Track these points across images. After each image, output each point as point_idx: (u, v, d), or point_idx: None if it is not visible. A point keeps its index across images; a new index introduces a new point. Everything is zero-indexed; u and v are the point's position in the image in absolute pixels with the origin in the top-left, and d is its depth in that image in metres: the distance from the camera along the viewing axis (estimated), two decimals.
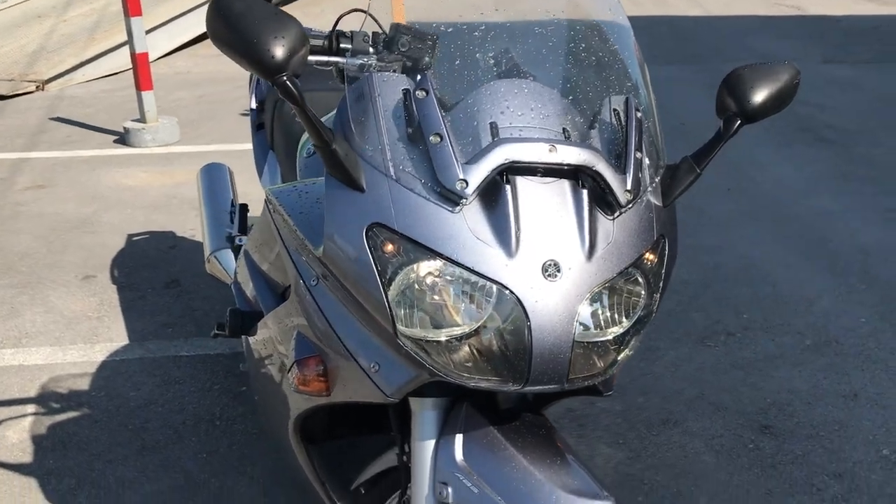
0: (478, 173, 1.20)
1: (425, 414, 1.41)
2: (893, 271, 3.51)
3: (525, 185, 1.23)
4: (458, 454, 1.38)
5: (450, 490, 1.36)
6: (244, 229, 2.59)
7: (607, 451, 2.45)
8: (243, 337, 1.94)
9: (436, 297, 1.23)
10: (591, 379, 1.29)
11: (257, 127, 2.64)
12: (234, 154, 4.48)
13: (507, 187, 1.22)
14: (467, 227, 1.21)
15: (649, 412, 2.63)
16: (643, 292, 1.31)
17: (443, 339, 1.24)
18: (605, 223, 1.27)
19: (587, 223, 1.24)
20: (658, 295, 1.35)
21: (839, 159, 4.85)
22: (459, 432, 1.39)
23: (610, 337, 1.29)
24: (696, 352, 2.95)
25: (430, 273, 1.23)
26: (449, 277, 1.22)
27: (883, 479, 2.31)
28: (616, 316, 1.30)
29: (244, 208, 2.62)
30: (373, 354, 1.34)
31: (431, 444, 1.40)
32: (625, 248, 1.28)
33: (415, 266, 1.23)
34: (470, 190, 1.20)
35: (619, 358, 1.31)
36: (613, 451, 2.45)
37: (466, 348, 1.25)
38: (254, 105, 2.70)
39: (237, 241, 2.54)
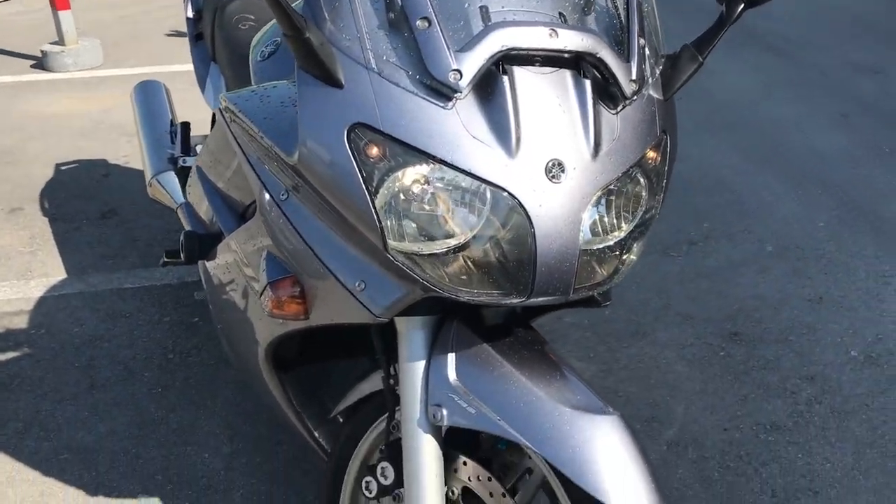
0: (472, 62, 1.07)
1: (413, 334, 1.30)
2: (848, 175, 3.51)
3: (523, 76, 1.10)
4: (452, 374, 1.28)
5: (444, 412, 1.27)
6: (188, 149, 2.41)
7: (579, 365, 2.40)
8: (200, 263, 1.79)
9: (427, 206, 1.11)
10: (596, 288, 1.20)
11: (196, 38, 2.43)
12: (164, 76, 4.19)
13: (504, 78, 1.09)
14: (462, 125, 1.09)
15: (618, 324, 2.58)
16: (645, 193, 1.22)
17: (437, 251, 1.12)
18: (609, 118, 1.16)
19: (591, 118, 1.13)
20: (661, 196, 1.25)
21: (788, 66, 4.82)
22: (451, 351, 1.29)
23: (612, 242, 1.20)
24: (660, 262, 2.90)
25: (421, 178, 1.10)
26: (443, 182, 1.10)
27: (853, 379, 2.32)
28: (617, 220, 1.20)
29: (186, 127, 2.43)
30: (357, 272, 1.22)
31: (421, 364, 1.30)
32: (630, 144, 1.18)
33: (404, 171, 1.10)
34: (464, 82, 1.07)
35: (622, 265, 1.22)
36: (585, 365, 2.40)
37: (463, 260, 1.14)
38: (190, 14, 2.48)
39: (181, 163, 2.37)
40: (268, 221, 1.36)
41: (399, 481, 1.35)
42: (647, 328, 2.56)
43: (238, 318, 1.58)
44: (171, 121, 2.59)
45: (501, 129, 1.09)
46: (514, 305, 1.16)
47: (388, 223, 1.11)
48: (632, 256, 1.23)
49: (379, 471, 1.37)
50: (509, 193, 1.09)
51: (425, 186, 1.10)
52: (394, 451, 1.36)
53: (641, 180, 1.21)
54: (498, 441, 1.39)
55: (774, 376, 2.34)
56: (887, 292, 2.71)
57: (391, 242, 1.12)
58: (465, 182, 1.09)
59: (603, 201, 1.17)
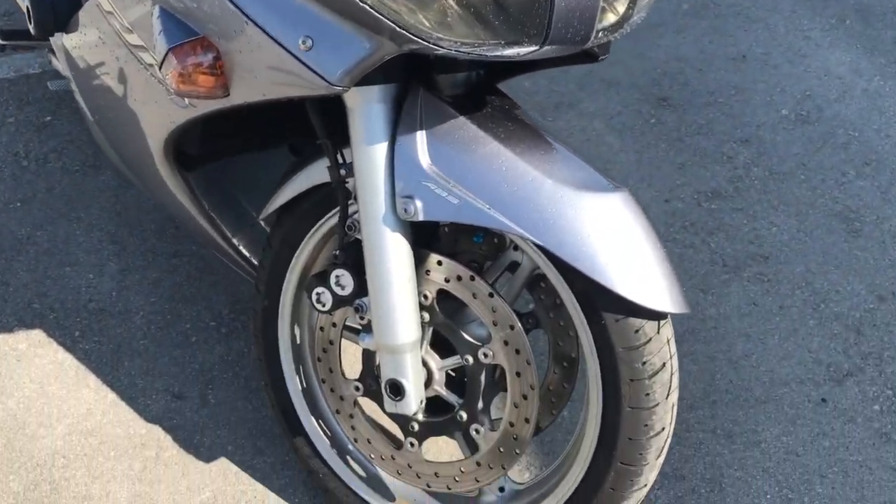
0: None
1: (369, 109, 1.02)
2: None
3: None
4: (424, 157, 1.02)
5: (417, 204, 1.02)
6: None
7: None
8: (56, 40, 1.39)
9: None
10: (616, 31, 0.94)
11: None
12: None
13: None
14: None
15: (538, 97, 2.34)
16: None
17: None
18: None
19: None
20: None
21: None
22: (420, 129, 1.03)
23: None
24: None
25: None
26: None
27: (788, 138, 2.21)
28: None
29: None
30: (300, 25, 0.90)
31: (383, 147, 1.03)
32: None
33: None
34: None
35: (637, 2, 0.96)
36: None
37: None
38: None
39: None
40: None
41: (360, 289, 1.11)
42: (570, 98, 2.34)
43: (121, 105, 1.23)
44: None
45: None
46: (519, 58, 0.89)
47: None
48: None
49: (333, 279, 1.12)
50: None
51: None
52: (351, 255, 1.11)
53: None
54: (473, 234, 1.17)
55: (709, 141, 2.20)
56: (809, 47, 2.58)
57: None
58: None
59: None
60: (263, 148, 1.34)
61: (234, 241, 1.36)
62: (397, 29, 0.84)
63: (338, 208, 1.13)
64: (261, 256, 1.29)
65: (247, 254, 1.37)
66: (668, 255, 1.05)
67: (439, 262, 1.11)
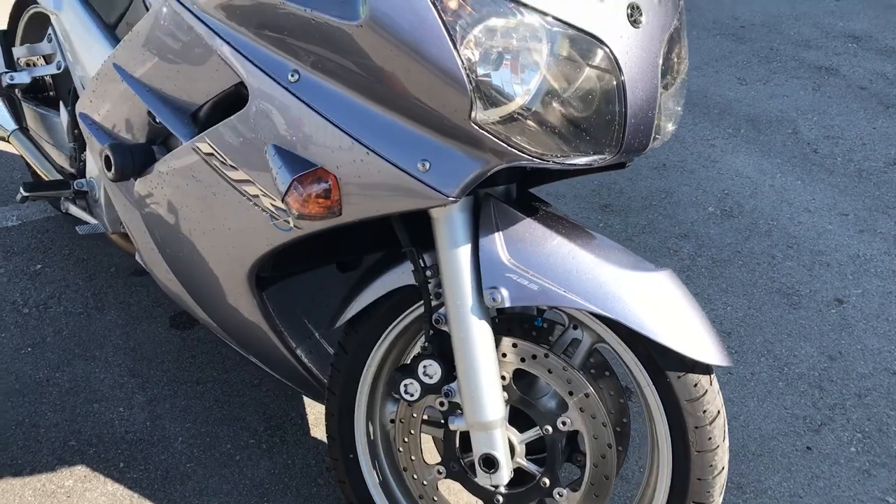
0: None
1: (454, 217, 1.20)
2: None
3: None
4: (504, 254, 1.21)
5: (503, 293, 1.20)
6: (12, 63, 2.01)
7: None
8: (111, 184, 1.51)
9: (516, 60, 1.01)
10: (659, 140, 1.18)
11: None
12: None
13: None
14: None
15: None
16: (683, 32, 1.21)
17: (523, 112, 1.03)
18: None
19: None
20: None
21: None
22: (497, 230, 1.22)
23: (672, 90, 1.18)
24: None
25: (511, 28, 1.00)
26: (535, 31, 1.00)
27: (720, 231, 2.52)
28: (676, 65, 1.18)
29: (6, 37, 2.01)
30: (417, 150, 1.09)
31: (468, 248, 1.21)
32: None
33: (492, 21, 0.99)
34: None
35: (674, 115, 1.21)
36: None
37: (547, 120, 1.05)
38: None
39: (7, 80, 1.97)
40: (271, 109, 1.17)
41: (447, 376, 1.26)
42: None
43: (203, 237, 1.37)
44: None
45: None
46: (597, 164, 1.11)
47: (475, 84, 1.00)
48: (678, 108, 1.22)
49: (420, 370, 1.27)
50: (598, 40, 1.02)
51: (516, 38, 1.00)
52: (437, 345, 1.27)
53: (678, 21, 1.20)
54: (533, 318, 1.35)
55: (654, 238, 2.49)
56: (716, 153, 2.96)
57: (481, 114, 1.01)
58: (558, 30, 1.01)
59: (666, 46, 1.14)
60: (323, 265, 1.49)
61: (298, 352, 1.48)
62: (508, 147, 1.04)
63: (412, 306, 1.30)
64: (333, 361, 1.42)
65: (309, 364, 1.49)
66: (710, 322, 1.27)
67: (514, 345, 1.28)
